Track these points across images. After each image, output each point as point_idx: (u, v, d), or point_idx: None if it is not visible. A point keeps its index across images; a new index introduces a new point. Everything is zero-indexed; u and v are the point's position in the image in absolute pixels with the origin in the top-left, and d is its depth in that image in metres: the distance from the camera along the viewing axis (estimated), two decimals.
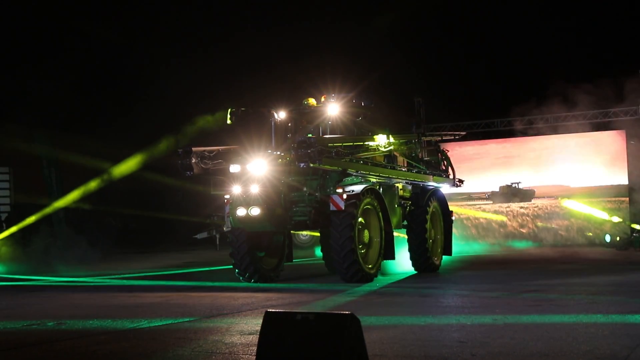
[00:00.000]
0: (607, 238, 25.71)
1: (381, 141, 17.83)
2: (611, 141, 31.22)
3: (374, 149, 17.82)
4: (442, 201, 20.39)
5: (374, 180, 17.74)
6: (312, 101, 17.65)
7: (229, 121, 17.80)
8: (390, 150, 18.09)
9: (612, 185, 30.56)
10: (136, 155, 26.33)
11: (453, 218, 20.71)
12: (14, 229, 27.79)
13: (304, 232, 24.86)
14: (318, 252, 24.60)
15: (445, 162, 21.25)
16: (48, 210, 28.50)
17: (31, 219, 28.04)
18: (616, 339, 9.06)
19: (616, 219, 28.48)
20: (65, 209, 28.67)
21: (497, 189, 34.10)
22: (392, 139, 17.99)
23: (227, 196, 17.35)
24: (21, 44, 40.81)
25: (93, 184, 28.29)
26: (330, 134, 17.21)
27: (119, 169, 27.07)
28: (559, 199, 30.17)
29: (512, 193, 33.26)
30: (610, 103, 31.17)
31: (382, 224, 17.22)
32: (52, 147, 28.17)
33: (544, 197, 31.89)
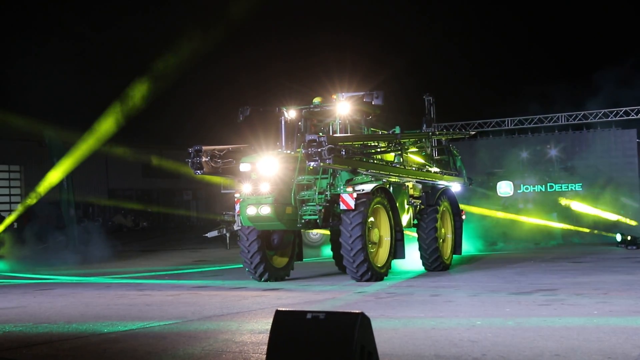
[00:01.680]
0: (618, 237, 25.59)
1: (391, 140, 17.82)
2: (623, 140, 31.10)
3: (384, 148, 17.79)
4: (453, 200, 20.35)
5: (385, 179, 17.71)
6: (322, 100, 17.64)
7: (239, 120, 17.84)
8: (400, 149, 18.05)
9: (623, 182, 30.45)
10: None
11: (463, 217, 20.67)
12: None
13: (314, 231, 24.84)
14: (324, 251, 24.62)
15: (455, 161, 21.19)
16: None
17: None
18: (627, 338, 9.03)
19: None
20: (76, 206, 28.73)
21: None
22: (402, 138, 17.98)
23: (237, 195, 17.37)
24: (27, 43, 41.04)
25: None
26: (340, 133, 17.19)
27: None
28: (560, 198, 29.99)
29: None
30: (622, 102, 31.08)
31: (393, 223, 17.20)
32: (62, 145, 28.21)
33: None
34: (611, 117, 31.77)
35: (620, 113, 31.48)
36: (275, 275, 17.41)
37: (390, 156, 18.22)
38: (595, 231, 29.05)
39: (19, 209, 28.52)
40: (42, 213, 40.32)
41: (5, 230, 27.33)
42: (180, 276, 19.65)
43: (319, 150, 14.93)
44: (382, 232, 17.13)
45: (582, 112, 32.02)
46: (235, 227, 17.78)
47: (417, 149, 19.52)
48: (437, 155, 21.24)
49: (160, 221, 52.93)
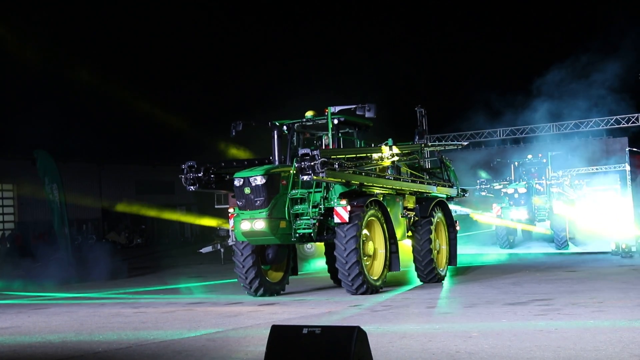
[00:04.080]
0: (612, 245, 25.56)
1: (384, 152, 17.82)
2: (614, 148, 31.21)
3: (378, 161, 17.80)
4: (446, 211, 20.34)
5: (378, 191, 17.71)
6: (314, 113, 17.65)
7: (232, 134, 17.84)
8: (393, 161, 18.07)
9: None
10: None
11: (457, 228, 20.66)
12: None
13: (309, 244, 24.81)
14: (311, 265, 24.55)
15: (448, 172, 21.21)
16: None
17: None
18: (624, 347, 9.04)
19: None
20: (69, 224, 28.60)
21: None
22: (395, 150, 17.99)
23: (231, 210, 17.35)
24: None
25: None
26: (333, 146, 17.19)
27: None
28: (553, 206, 29.99)
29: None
30: (615, 111, 31.19)
31: (387, 235, 17.18)
32: (54, 163, 28.11)
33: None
34: (602, 126, 31.87)
35: (612, 122, 31.58)
36: (271, 289, 17.37)
37: (383, 169, 18.22)
38: (591, 239, 29.09)
39: None
40: (36, 231, 40.25)
41: None
42: (175, 292, 19.58)
43: (312, 164, 14.94)
44: (377, 244, 17.12)
45: (574, 121, 32.10)
46: (230, 242, 17.74)
47: (410, 161, 19.52)
48: (430, 166, 21.24)
49: (155, 237, 52.82)
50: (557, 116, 32.29)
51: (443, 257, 19.79)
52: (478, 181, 30.92)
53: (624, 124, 31.40)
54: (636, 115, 31.07)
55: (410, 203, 19.22)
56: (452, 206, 21.87)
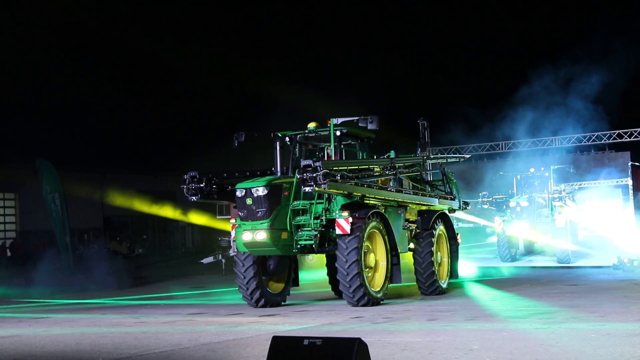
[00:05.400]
0: (615, 259, 25.48)
1: (386, 164, 17.83)
2: (617, 162, 31.19)
3: (380, 172, 17.80)
4: (448, 224, 20.33)
5: (380, 203, 17.70)
6: (316, 124, 17.65)
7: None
8: (395, 174, 18.06)
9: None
10: None
11: (459, 241, 20.63)
12: None
13: (309, 255, 24.75)
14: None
15: (450, 185, 21.19)
16: None
17: None
18: None
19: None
20: (71, 234, 28.62)
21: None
22: (397, 162, 18.00)
23: (232, 220, 17.36)
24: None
25: None
26: (335, 158, 17.20)
27: None
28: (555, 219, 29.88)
29: None
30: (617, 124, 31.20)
31: (389, 247, 17.18)
32: (55, 172, 28.16)
33: None
34: (604, 140, 31.89)
35: (614, 136, 31.60)
36: (272, 300, 17.35)
37: (385, 180, 18.22)
38: (593, 252, 29.02)
39: None
40: (37, 240, 40.24)
41: None
42: (176, 302, 19.56)
43: (314, 175, 14.94)
44: (378, 256, 17.11)
45: (575, 135, 32.11)
46: (231, 253, 17.74)
47: (412, 173, 19.51)
48: (432, 178, 21.21)
49: (156, 247, 52.78)
50: (552, 129, 32.30)
51: (444, 270, 19.75)
52: (480, 194, 30.88)
53: (626, 138, 31.43)
54: (638, 129, 31.11)
55: (412, 215, 19.21)
56: (459, 214, 21.77)
